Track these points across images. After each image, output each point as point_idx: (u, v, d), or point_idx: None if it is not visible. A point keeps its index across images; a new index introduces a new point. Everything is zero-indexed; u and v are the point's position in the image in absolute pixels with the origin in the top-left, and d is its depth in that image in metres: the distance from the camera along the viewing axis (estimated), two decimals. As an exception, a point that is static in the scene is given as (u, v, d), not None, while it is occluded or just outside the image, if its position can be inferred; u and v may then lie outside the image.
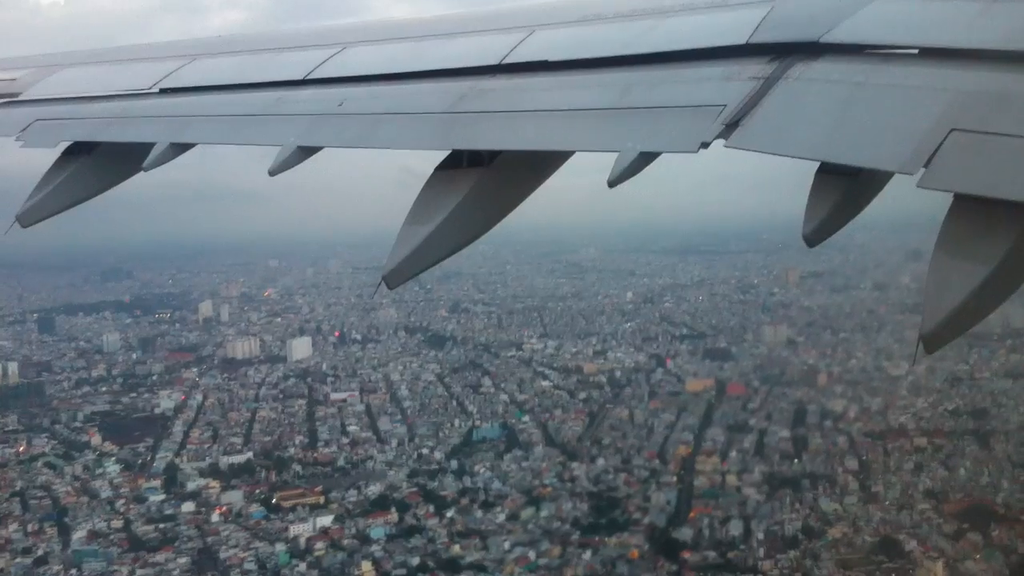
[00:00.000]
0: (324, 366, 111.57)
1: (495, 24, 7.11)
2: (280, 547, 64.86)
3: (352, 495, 74.21)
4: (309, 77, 7.15)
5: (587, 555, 64.50)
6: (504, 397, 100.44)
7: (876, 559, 65.69)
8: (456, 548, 65.24)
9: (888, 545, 67.31)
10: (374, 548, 65.20)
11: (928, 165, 4.12)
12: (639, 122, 5.37)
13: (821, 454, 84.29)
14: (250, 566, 63.10)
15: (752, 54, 5.42)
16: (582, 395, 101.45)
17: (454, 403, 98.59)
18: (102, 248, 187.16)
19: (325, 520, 68.57)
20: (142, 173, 7.19)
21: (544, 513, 71.43)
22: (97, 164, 7.78)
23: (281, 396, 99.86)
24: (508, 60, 6.31)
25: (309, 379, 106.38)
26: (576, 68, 6.12)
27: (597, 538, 67.59)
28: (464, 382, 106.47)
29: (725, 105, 5.03)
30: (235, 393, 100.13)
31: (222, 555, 64.27)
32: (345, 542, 66.21)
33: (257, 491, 74.83)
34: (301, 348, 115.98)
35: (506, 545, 65.84)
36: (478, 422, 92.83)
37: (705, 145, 4.91)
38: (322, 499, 72.85)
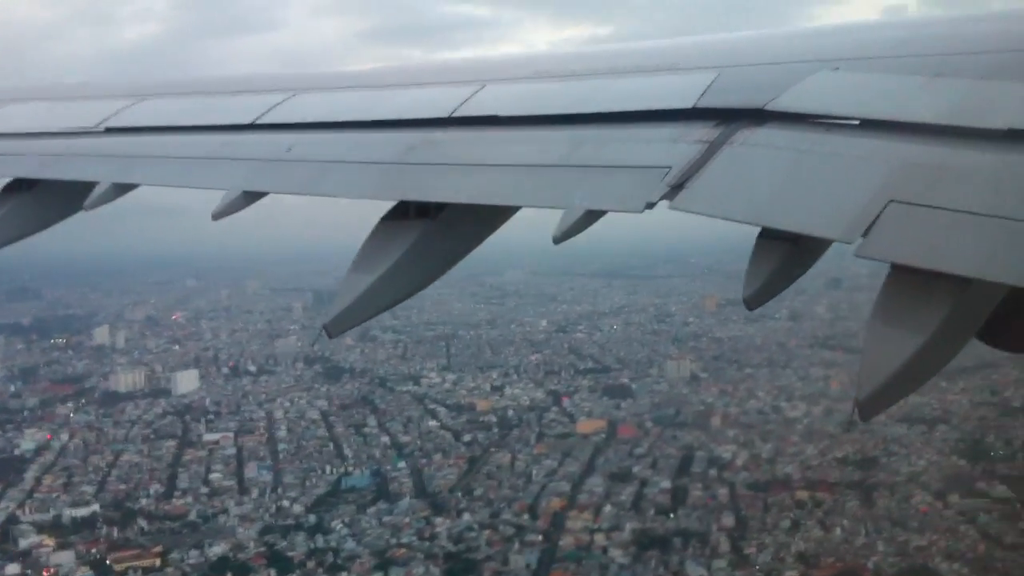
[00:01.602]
0: (208, 401, 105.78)
1: (448, 77, 7.10)
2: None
3: (193, 555, 68.45)
4: (258, 122, 6.96)
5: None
6: (386, 439, 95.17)
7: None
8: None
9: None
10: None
11: (866, 234, 4.09)
12: (586, 180, 5.33)
13: (699, 509, 79.73)
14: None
15: (698, 118, 5.41)
16: (467, 437, 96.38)
17: (331, 446, 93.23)
18: (16, 264, 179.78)
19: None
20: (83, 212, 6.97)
21: (393, 579, 66.18)
22: (38, 201, 7.52)
23: (152, 436, 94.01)
24: (459, 113, 6.21)
25: (188, 416, 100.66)
26: (526, 124, 6.04)
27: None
28: (349, 421, 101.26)
29: (671, 167, 5.02)
30: (105, 433, 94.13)
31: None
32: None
33: (93, 550, 68.89)
34: (187, 381, 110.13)
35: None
36: (351, 468, 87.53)
37: (650, 206, 4.88)
38: (158, 561, 67.02)
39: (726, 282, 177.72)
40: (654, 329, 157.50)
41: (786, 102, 5.18)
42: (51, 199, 7.56)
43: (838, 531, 75.83)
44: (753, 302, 4.93)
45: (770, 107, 5.17)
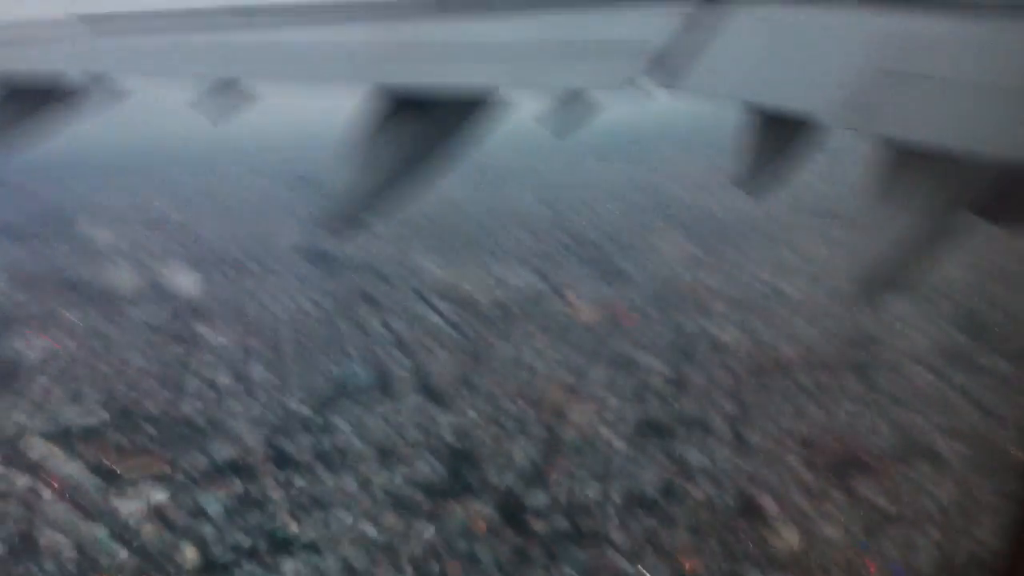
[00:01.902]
0: (215, 303, 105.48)
1: None
2: (103, 532, 59.57)
3: (202, 460, 68.99)
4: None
5: (430, 531, 59.73)
6: (388, 336, 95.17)
7: (734, 524, 61.53)
8: (293, 527, 60.27)
9: (749, 509, 63.18)
10: (206, 528, 60.06)
11: (854, 108, 4.06)
12: (565, 60, 5.29)
13: (701, 396, 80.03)
14: (70, 554, 57.79)
15: None
16: (470, 331, 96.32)
17: (337, 347, 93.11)
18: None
19: (161, 495, 63.30)
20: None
21: (397, 479, 66.68)
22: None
23: (160, 342, 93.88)
24: None
25: (194, 318, 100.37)
26: (507, 8, 5.96)
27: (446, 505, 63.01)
28: (352, 317, 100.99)
29: (650, 42, 4.97)
30: (110, 339, 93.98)
31: (41, 541, 58.79)
32: (179, 521, 61.05)
33: (102, 458, 69.38)
34: (187, 282, 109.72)
35: (348, 520, 60.97)
36: (357, 368, 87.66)
37: (631, 82, 4.83)
38: (168, 468, 67.55)
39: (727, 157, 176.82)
40: (664, 212, 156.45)
41: None
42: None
43: (840, 413, 76.02)
44: (742, 180, 5.04)
45: None
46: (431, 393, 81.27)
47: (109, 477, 66.69)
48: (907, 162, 4.07)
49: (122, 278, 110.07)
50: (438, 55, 5.84)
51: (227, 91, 6.10)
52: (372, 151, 5.70)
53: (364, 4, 6.63)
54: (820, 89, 4.29)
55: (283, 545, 58.45)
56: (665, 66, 4.79)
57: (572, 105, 4.94)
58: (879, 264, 4.19)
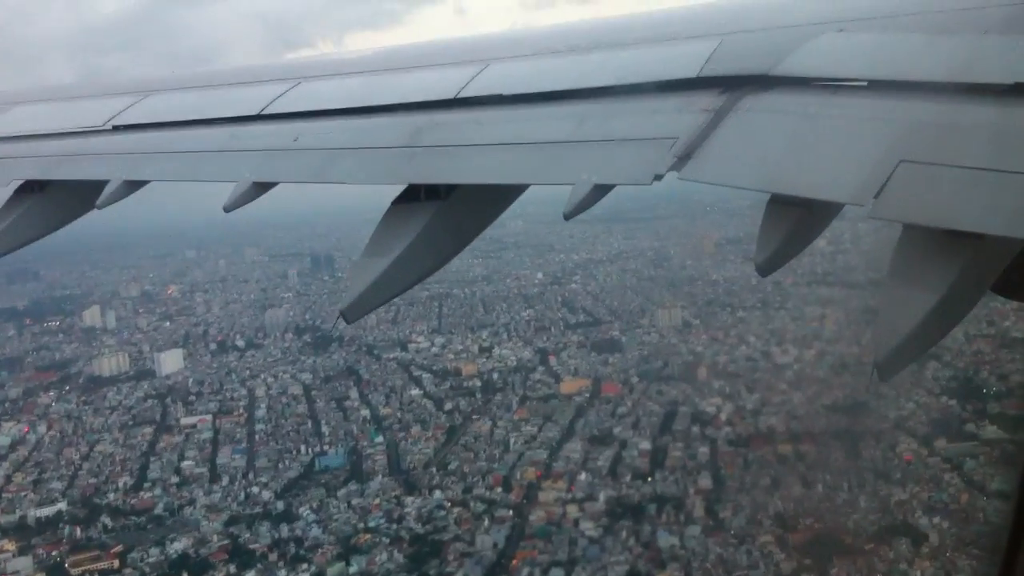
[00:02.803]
0: (191, 381, 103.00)
1: (450, 57, 7.03)
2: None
3: (154, 553, 65.80)
4: (264, 112, 6.95)
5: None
6: (366, 413, 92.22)
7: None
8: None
9: (715, 593, 59.35)
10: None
11: (878, 196, 4.10)
12: (593, 155, 5.32)
13: (677, 471, 76.43)
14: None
15: (703, 87, 5.38)
16: (449, 405, 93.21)
17: (310, 424, 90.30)
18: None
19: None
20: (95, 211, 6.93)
21: (353, 569, 63.22)
22: (50, 202, 7.49)
23: (131, 423, 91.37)
24: (463, 94, 6.19)
25: (170, 398, 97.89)
26: (530, 102, 6.02)
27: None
28: (332, 394, 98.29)
29: (677, 138, 5.00)
30: (83, 422, 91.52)
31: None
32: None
33: (53, 552, 66.35)
34: (171, 361, 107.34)
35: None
36: (327, 446, 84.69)
37: (659, 177, 4.91)
38: (116, 563, 64.42)
39: (727, 220, 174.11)
40: (650, 275, 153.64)
41: (791, 66, 5.13)
42: (63, 199, 7.48)
43: (819, 487, 72.21)
44: (765, 268, 4.91)
45: (775, 72, 5.12)
46: (400, 474, 78.12)
47: (56, 573, 63.66)
48: (933, 246, 4.05)
49: (107, 360, 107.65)
50: (464, 151, 5.72)
51: (253, 191, 6.06)
52: (391, 238, 5.49)
53: (388, 102, 6.51)
54: (844, 177, 4.28)
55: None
56: (692, 159, 4.77)
57: (590, 195, 4.88)
58: (900, 343, 3.92)
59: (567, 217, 4.96)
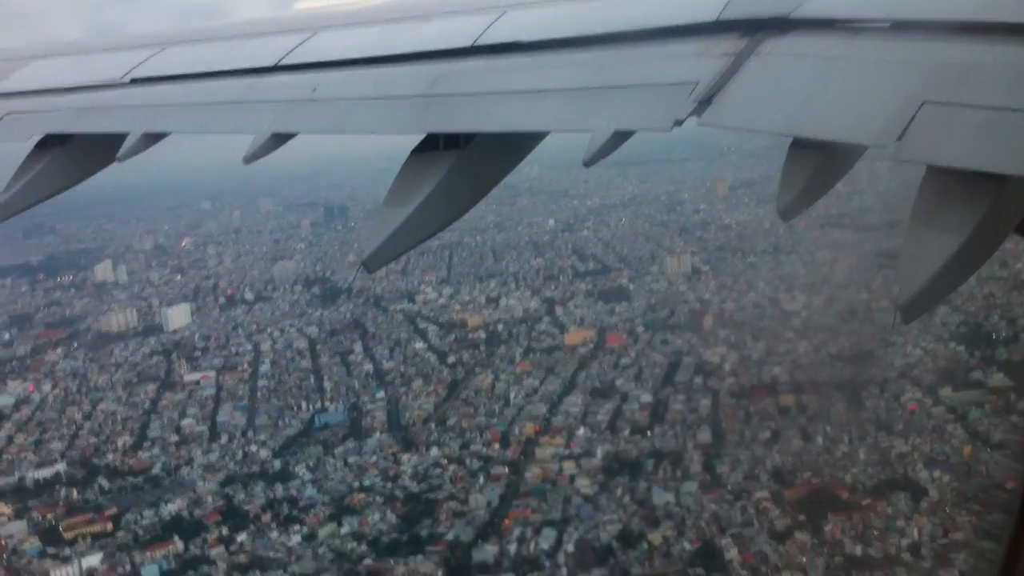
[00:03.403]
0: (197, 337, 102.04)
1: (467, 5, 6.83)
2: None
3: (148, 515, 65.08)
4: (281, 63, 6.87)
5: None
6: (369, 368, 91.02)
7: (691, 574, 56.28)
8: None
9: (707, 554, 57.85)
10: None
11: (901, 138, 4.06)
12: (612, 101, 5.24)
13: (677, 425, 74.83)
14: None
15: (723, 31, 5.26)
16: (452, 359, 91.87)
17: (312, 380, 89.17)
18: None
19: (96, 559, 59.35)
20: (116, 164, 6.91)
21: (345, 529, 62.22)
22: (71, 156, 7.38)
23: (135, 380, 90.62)
24: (481, 42, 6.08)
25: (176, 354, 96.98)
26: (548, 48, 5.91)
27: (388, 564, 58.33)
28: (336, 348, 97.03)
29: (697, 82, 4.93)
30: (88, 380, 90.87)
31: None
32: (107, 589, 57.12)
33: (48, 516, 65.75)
34: (179, 316, 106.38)
35: (282, 582, 56.69)
36: (328, 403, 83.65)
37: (679, 123, 4.84)
38: (110, 525, 63.75)
39: (742, 162, 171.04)
40: (662, 221, 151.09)
41: (811, 8, 5.05)
42: (84, 153, 7.33)
43: (819, 440, 70.49)
44: (788, 212, 4.94)
45: (795, 15, 5.03)
46: (399, 431, 77.04)
47: (49, 537, 63.06)
48: (957, 187, 3.97)
49: (115, 316, 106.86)
50: (483, 100, 5.57)
51: (272, 142, 5.97)
52: (411, 188, 5.33)
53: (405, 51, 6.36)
54: (866, 119, 4.23)
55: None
56: (712, 104, 4.72)
57: (610, 142, 4.82)
58: (923, 286, 3.87)
59: (587, 164, 4.89)
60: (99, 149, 7.27)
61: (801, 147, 4.64)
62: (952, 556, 56.01)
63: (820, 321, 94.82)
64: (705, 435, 72.73)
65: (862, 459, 67.48)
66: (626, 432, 74.00)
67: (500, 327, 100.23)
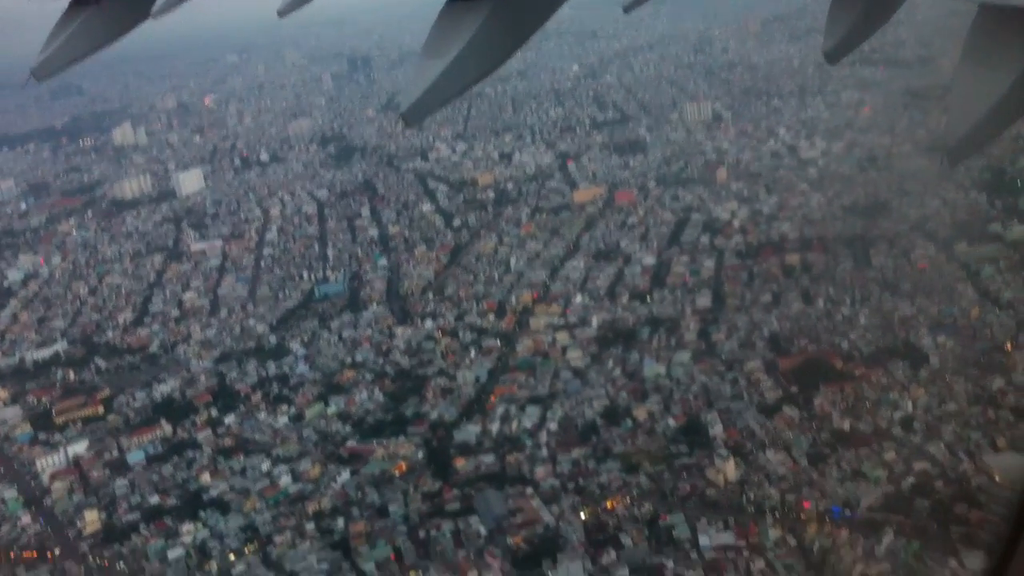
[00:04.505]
0: (209, 202, 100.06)
1: None
2: (12, 493, 55.23)
3: (140, 397, 64.19)
4: None
5: (344, 476, 53.85)
6: (374, 233, 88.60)
7: (672, 452, 54.14)
8: (206, 477, 55.02)
9: (692, 430, 55.60)
10: (118, 484, 55.20)
11: None
12: None
13: (677, 289, 71.86)
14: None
15: None
16: (458, 221, 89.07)
17: (316, 247, 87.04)
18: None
19: (83, 445, 58.64)
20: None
21: (332, 409, 60.83)
22: (105, 14, 6.89)
23: (143, 251, 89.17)
24: None
25: (185, 222, 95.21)
26: None
27: (370, 445, 56.94)
28: (344, 212, 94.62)
29: None
30: (98, 252, 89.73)
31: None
32: (93, 477, 56.31)
33: (43, 399, 65.13)
34: (192, 181, 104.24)
35: (264, 466, 55.47)
36: (330, 272, 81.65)
37: None
38: (101, 409, 62.95)
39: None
40: (689, 63, 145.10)
41: None
42: (118, 10, 6.88)
43: (820, 303, 67.15)
44: (834, 54, 4.74)
45: None
46: (396, 302, 75.01)
47: (41, 422, 62.49)
48: (1010, 25, 3.87)
49: (130, 183, 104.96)
50: None
51: None
52: (448, 38, 4.88)
53: None
54: None
55: (193, 499, 53.36)
56: None
57: None
58: (972, 127, 3.74)
59: (627, 10, 4.85)
60: (133, 6, 6.85)
61: None
62: (943, 428, 52.93)
63: (837, 170, 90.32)
64: (705, 299, 69.74)
65: (862, 324, 64.10)
66: (625, 298, 71.09)
67: (510, 186, 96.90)
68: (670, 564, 45.73)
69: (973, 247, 71.48)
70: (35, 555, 49.65)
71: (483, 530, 48.65)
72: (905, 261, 71.34)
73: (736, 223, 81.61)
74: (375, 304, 74.40)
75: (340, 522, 50.22)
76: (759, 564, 45.72)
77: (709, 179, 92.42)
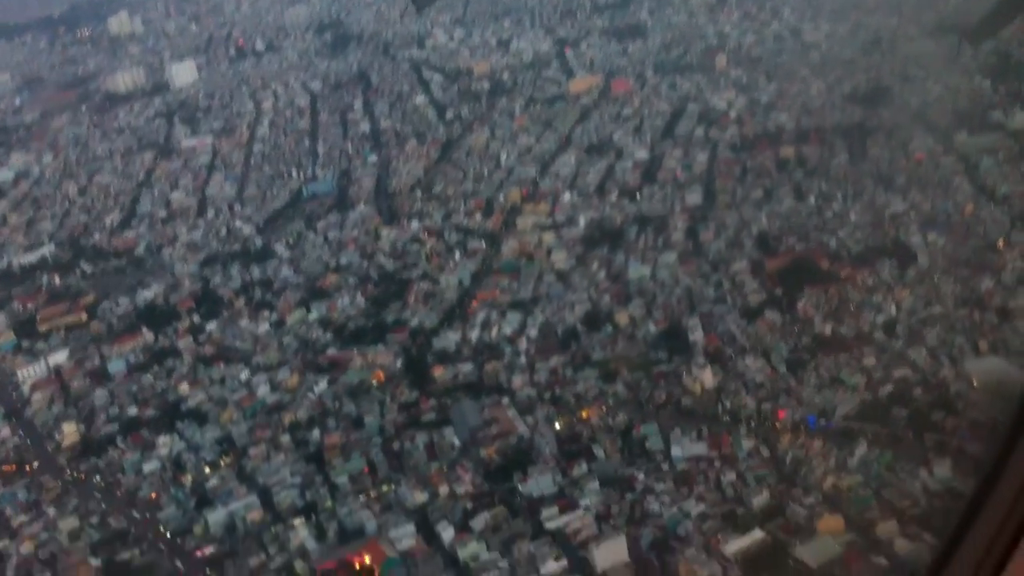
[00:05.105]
0: (202, 95, 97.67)
1: None
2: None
3: (123, 303, 63.45)
4: None
5: (321, 385, 53.22)
6: (366, 128, 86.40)
7: (651, 359, 53.12)
8: (184, 387, 54.52)
9: (672, 336, 54.45)
10: (98, 395, 54.85)
11: None
12: None
13: (668, 185, 69.89)
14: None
15: None
16: (451, 114, 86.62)
17: (307, 143, 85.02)
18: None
19: (64, 355, 58.17)
20: None
21: (313, 315, 59.96)
22: None
23: (134, 148, 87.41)
24: None
25: (177, 116, 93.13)
26: None
27: (349, 352, 56.19)
28: (337, 105, 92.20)
29: None
30: (89, 149, 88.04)
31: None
32: (73, 387, 55.97)
33: (28, 305, 64.53)
34: (185, 73, 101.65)
35: (243, 375, 54.92)
36: (320, 169, 79.87)
37: None
38: (84, 316, 62.30)
39: None
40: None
41: None
42: None
43: (812, 199, 65.15)
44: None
45: None
46: (384, 201, 73.42)
47: (25, 329, 62.00)
48: None
49: (123, 76, 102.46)
50: None
51: None
52: None
53: None
54: None
55: (171, 410, 52.97)
56: None
57: None
58: (993, 8, 3.51)
59: None
60: None
61: None
62: (926, 332, 51.54)
63: (840, 54, 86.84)
64: (695, 196, 67.86)
65: (853, 221, 62.19)
66: (614, 195, 69.21)
67: (506, 75, 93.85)
68: (640, 476, 45.14)
69: (974, 137, 68.83)
70: (14, 468, 49.52)
71: (457, 442, 48.04)
72: (902, 153, 68.87)
73: (733, 113, 78.91)
74: (362, 204, 72.80)
75: (316, 433, 49.70)
76: (730, 476, 45.14)
77: (708, 66, 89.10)
